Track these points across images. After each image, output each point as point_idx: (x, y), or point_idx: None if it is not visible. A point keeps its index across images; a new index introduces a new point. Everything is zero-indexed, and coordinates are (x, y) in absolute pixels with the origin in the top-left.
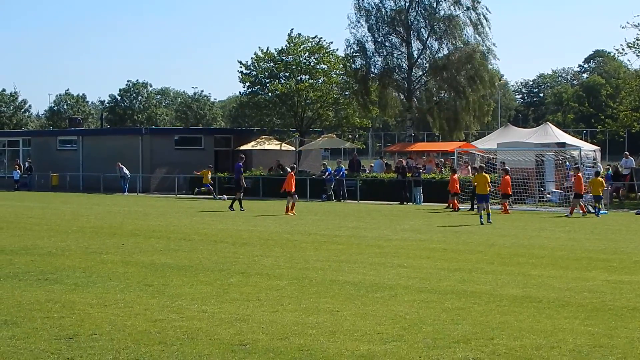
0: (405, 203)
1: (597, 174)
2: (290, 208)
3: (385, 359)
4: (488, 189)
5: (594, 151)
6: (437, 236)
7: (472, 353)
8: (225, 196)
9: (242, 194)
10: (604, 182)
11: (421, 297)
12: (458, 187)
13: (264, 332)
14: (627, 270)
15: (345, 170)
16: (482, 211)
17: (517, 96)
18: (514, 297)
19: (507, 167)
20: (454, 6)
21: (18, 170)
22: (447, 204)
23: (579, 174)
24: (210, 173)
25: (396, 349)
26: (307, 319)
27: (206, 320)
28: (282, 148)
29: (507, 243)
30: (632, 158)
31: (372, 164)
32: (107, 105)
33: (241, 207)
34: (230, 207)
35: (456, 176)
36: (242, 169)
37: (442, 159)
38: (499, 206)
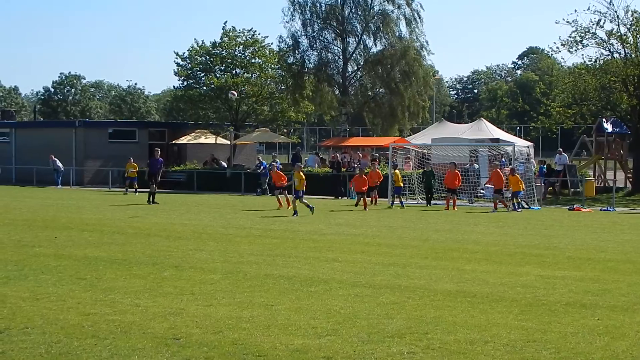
0: (339, 198)
1: (513, 171)
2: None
3: (319, 353)
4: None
5: (528, 147)
6: (371, 231)
7: (406, 347)
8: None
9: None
10: (519, 178)
11: (355, 291)
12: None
13: (198, 326)
14: (560, 266)
15: (280, 164)
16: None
17: (451, 92)
18: (448, 292)
19: (454, 162)
20: (388, 2)
21: None
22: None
23: (497, 170)
24: (132, 166)
25: (330, 343)
26: (241, 313)
27: (139, 314)
28: (217, 142)
29: (441, 238)
30: (565, 154)
31: (307, 159)
32: (41, 97)
33: (153, 201)
34: (152, 201)
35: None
36: (162, 164)
37: (377, 154)
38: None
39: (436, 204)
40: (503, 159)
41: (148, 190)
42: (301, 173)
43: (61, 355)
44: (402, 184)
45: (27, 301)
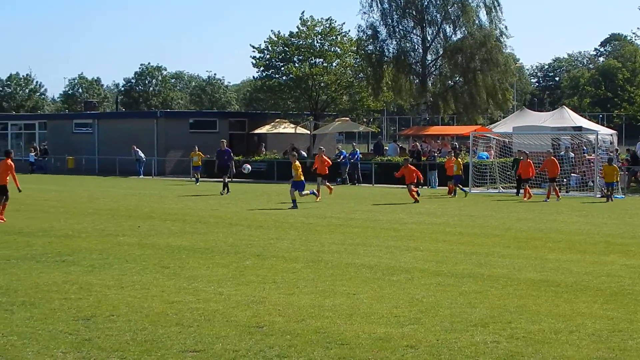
0: (420, 187)
1: (610, 160)
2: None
3: (402, 342)
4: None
5: (611, 135)
6: (452, 220)
7: (490, 336)
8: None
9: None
10: (617, 169)
11: (438, 280)
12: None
13: (281, 314)
14: None
15: (360, 153)
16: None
17: (532, 80)
18: (532, 281)
19: (525, 151)
20: None
21: (33, 154)
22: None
23: (552, 158)
24: (197, 155)
25: (413, 332)
26: (323, 302)
27: (223, 302)
28: (297, 131)
29: (523, 227)
30: None
31: (386, 148)
32: (122, 88)
33: (227, 190)
34: (227, 191)
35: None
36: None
37: (455, 144)
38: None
39: (538, 193)
40: (585, 148)
41: (221, 180)
42: (297, 163)
43: (146, 342)
44: (461, 173)
45: (112, 289)
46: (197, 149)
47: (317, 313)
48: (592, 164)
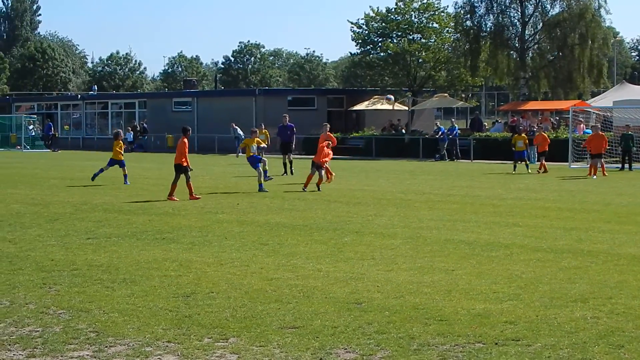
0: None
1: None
2: None
3: (501, 318)
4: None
5: None
6: (552, 195)
7: (590, 312)
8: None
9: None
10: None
11: (537, 256)
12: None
13: (379, 290)
14: None
15: (458, 129)
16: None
17: (633, 54)
18: (633, 257)
19: (597, 125)
20: None
21: (131, 132)
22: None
23: (598, 132)
24: (263, 133)
25: (513, 307)
26: (421, 278)
27: (321, 278)
28: (395, 108)
29: (624, 202)
30: None
31: (493, 124)
32: (221, 66)
33: (292, 171)
34: (291, 172)
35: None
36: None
37: (557, 118)
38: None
39: (637, 168)
40: None
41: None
42: (258, 138)
43: (246, 318)
44: (523, 148)
45: (211, 266)
46: (263, 127)
47: (416, 289)
48: None
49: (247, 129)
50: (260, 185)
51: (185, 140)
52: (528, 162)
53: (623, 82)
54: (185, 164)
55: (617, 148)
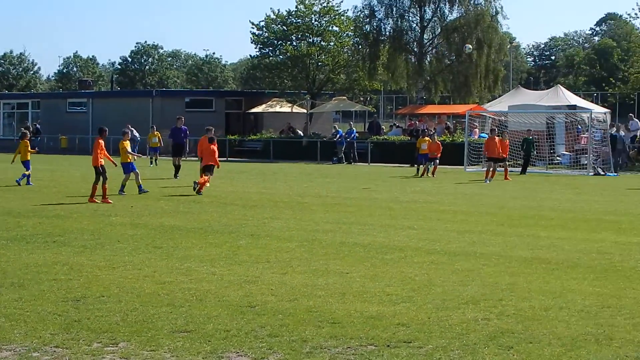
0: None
1: (493, 132)
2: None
3: (394, 320)
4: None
5: (605, 114)
6: (447, 198)
7: (481, 314)
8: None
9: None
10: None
11: (431, 258)
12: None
13: (273, 293)
14: (636, 232)
15: (356, 132)
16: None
17: (528, 59)
18: (523, 259)
19: (494, 128)
20: None
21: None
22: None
23: (497, 138)
24: (156, 135)
25: (405, 310)
26: (316, 281)
27: (215, 282)
28: (294, 110)
29: (516, 205)
30: (637, 120)
31: (391, 127)
32: (118, 67)
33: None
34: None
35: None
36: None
37: (454, 122)
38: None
39: (532, 172)
40: (579, 127)
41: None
42: (125, 143)
43: (137, 323)
44: (427, 151)
45: (103, 270)
46: (154, 129)
47: (310, 292)
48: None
49: (143, 130)
50: (139, 186)
51: (101, 141)
52: (429, 166)
53: (518, 87)
54: (101, 164)
55: (520, 152)
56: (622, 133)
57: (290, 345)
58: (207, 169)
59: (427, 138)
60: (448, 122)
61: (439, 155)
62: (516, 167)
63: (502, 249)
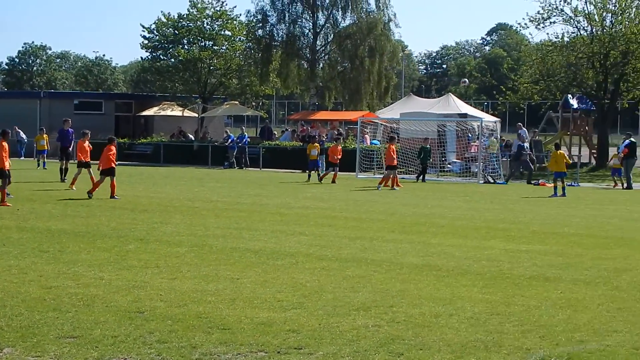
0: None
1: (557, 146)
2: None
3: (285, 327)
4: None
5: (495, 122)
6: (338, 205)
7: (371, 320)
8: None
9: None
10: (566, 155)
11: (322, 264)
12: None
13: (162, 299)
14: (524, 240)
15: (248, 137)
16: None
17: (420, 67)
18: (414, 266)
19: (393, 136)
20: None
21: None
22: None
23: (392, 146)
24: (43, 138)
25: (296, 316)
26: (206, 287)
27: (103, 287)
28: (185, 114)
29: (408, 212)
30: (525, 129)
31: (282, 132)
32: (5, 67)
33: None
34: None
35: (340, 147)
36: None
37: (346, 128)
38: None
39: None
40: (469, 135)
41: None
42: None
43: (22, 328)
44: (316, 157)
45: None
46: (44, 131)
47: (200, 298)
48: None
49: (31, 132)
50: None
51: (4, 143)
52: (320, 172)
53: (410, 95)
54: (7, 168)
55: (416, 160)
56: (520, 143)
57: (180, 352)
58: (104, 173)
59: (317, 144)
60: (340, 129)
61: (338, 161)
62: (409, 174)
63: (393, 255)
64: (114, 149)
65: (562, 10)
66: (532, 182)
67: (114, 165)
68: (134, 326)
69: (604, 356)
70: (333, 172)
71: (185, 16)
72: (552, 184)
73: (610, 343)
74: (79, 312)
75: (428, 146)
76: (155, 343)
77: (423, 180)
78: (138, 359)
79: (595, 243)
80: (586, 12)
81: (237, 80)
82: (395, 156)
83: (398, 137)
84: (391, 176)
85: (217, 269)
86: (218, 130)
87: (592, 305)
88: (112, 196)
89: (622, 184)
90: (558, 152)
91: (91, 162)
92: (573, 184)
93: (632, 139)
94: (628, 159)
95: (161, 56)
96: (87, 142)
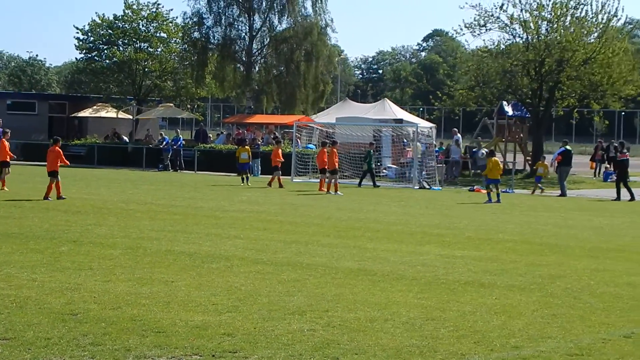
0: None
1: (492, 153)
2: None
3: (219, 330)
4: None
5: (430, 128)
6: (274, 208)
7: (307, 324)
8: None
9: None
10: (499, 162)
11: (257, 268)
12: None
13: (96, 301)
14: (459, 246)
15: (183, 140)
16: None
17: (356, 72)
18: (350, 270)
19: (326, 140)
20: None
21: None
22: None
23: (323, 149)
24: None
25: (231, 319)
26: (140, 289)
27: (36, 288)
28: (119, 116)
29: (343, 217)
30: (459, 135)
31: (218, 135)
32: None
33: None
34: None
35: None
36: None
37: (282, 132)
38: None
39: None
40: (405, 140)
41: None
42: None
43: None
44: (248, 160)
45: None
46: None
47: (134, 300)
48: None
49: None
50: None
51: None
52: (249, 175)
53: (346, 100)
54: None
55: (362, 164)
56: (454, 147)
57: (113, 354)
58: (50, 174)
59: (247, 147)
60: (276, 132)
61: (279, 164)
62: (344, 178)
63: (329, 259)
64: (58, 149)
65: (498, 17)
66: (469, 188)
67: (56, 167)
68: (67, 328)
69: None
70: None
71: (120, 17)
72: (486, 190)
73: (544, 349)
74: (11, 314)
75: (372, 151)
76: (88, 345)
77: (374, 184)
78: None
79: (529, 249)
80: (522, 19)
81: (172, 83)
82: (337, 160)
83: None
84: (333, 181)
85: (151, 271)
86: (153, 133)
87: (527, 312)
88: (45, 197)
89: (536, 190)
90: (493, 159)
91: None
92: (508, 190)
93: (568, 147)
94: (562, 166)
95: (96, 57)
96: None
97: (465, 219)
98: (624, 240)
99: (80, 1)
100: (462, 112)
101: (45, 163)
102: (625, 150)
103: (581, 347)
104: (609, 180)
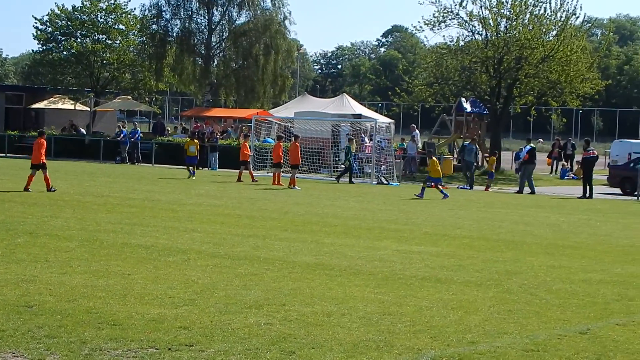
0: (200, 168)
1: (431, 153)
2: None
3: (176, 323)
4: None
5: (389, 124)
6: (231, 202)
7: (264, 318)
8: None
9: None
10: (437, 162)
11: (214, 262)
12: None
13: (52, 293)
14: (417, 241)
15: (140, 132)
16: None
17: (315, 67)
18: (307, 265)
19: (281, 134)
20: None
21: None
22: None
23: (279, 143)
24: None
25: (188, 313)
26: (96, 282)
27: None
28: (77, 108)
29: (301, 211)
30: (418, 131)
31: (175, 129)
32: None
33: None
34: None
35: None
36: None
37: (241, 125)
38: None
39: (316, 179)
40: (363, 135)
41: None
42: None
43: None
44: (195, 154)
45: None
46: None
47: (90, 293)
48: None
49: None
50: None
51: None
52: (195, 169)
53: (305, 94)
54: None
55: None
56: (411, 143)
57: (69, 347)
58: (34, 167)
59: (196, 140)
60: (241, 126)
61: (248, 157)
62: (303, 173)
63: (286, 254)
64: (43, 141)
65: (457, 14)
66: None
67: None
68: (22, 320)
69: (494, 357)
70: (246, 170)
71: (79, 8)
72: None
73: (500, 344)
74: None
75: (349, 145)
76: (44, 338)
77: (350, 181)
78: (26, 354)
79: (486, 246)
80: (481, 16)
81: (130, 75)
82: (300, 155)
83: (292, 135)
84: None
85: (108, 264)
86: (110, 125)
87: (483, 307)
88: (48, 189)
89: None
90: (433, 158)
91: None
92: (465, 187)
93: (532, 145)
94: (527, 164)
95: (53, 48)
96: None
97: (423, 215)
98: (580, 238)
99: None
100: (421, 108)
101: None
102: (591, 148)
103: (537, 343)
104: (565, 177)
